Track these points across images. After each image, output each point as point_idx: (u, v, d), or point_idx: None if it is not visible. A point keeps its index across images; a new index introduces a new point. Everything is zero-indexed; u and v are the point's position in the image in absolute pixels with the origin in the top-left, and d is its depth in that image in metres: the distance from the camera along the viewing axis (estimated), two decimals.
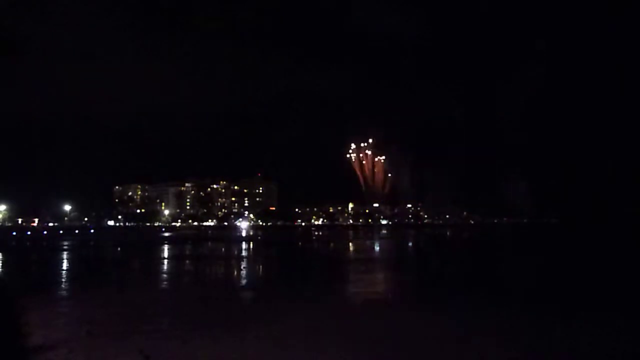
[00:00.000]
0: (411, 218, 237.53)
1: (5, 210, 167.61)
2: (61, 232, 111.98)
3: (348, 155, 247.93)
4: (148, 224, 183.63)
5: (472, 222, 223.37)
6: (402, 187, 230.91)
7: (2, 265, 34.08)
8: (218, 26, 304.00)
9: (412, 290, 21.48)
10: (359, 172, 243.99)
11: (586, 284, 22.47)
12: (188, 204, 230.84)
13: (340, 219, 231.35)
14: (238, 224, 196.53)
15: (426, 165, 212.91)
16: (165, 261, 38.71)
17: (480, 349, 10.70)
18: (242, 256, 44.66)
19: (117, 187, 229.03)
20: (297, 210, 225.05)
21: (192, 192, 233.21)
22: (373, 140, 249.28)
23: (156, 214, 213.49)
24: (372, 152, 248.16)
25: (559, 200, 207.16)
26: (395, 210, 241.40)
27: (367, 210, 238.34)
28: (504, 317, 14.32)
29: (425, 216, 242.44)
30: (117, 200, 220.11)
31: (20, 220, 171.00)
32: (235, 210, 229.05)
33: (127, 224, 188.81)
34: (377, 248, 57.21)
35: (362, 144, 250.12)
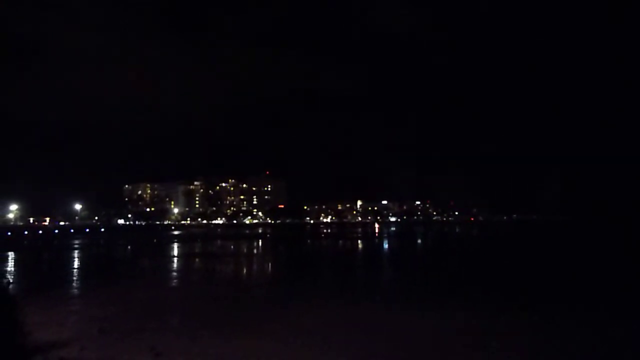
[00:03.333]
0: (420, 215, 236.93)
1: (17, 209, 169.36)
2: (72, 231, 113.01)
3: None
4: (157, 223, 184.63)
5: (481, 219, 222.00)
6: (411, 184, 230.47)
7: (15, 265, 34.51)
8: (227, 26, 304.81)
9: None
10: None
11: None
12: (197, 202, 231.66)
13: (349, 217, 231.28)
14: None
15: (435, 164, 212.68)
16: (175, 259, 39.00)
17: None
18: (252, 254, 44.90)
19: (126, 186, 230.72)
20: (305, 208, 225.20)
21: (201, 190, 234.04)
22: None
23: (165, 213, 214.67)
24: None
25: (569, 199, 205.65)
26: (404, 208, 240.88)
27: (375, 208, 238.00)
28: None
29: (434, 213, 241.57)
30: (126, 199, 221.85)
31: (31, 220, 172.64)
32: (244, 209, 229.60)
33: (136, 222, 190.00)
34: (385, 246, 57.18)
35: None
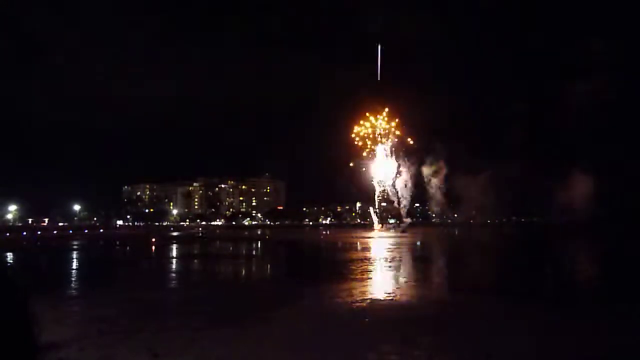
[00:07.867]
0: (419, 217, 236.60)
1: (15, 210, 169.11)
2: (71, 231, 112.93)
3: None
4: (157, 224, 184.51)
5: (480, 222, 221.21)
6: (410, 187, 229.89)
7: (13, 265, 34.48)
8: (227, 26, 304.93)
9: None
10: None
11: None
12: (196, 203, 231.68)
13: (348, 218, 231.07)
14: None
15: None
16: (174, 260, 39.00)
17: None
18: (251, 256, 44.90)
19: (126, 186, 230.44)
20: (304, 209, 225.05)
21: (200, 191, 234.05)
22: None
23: (164, 214, 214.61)
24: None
25: (567, 201, 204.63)
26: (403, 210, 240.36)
27: (375, 210, 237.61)
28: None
29: (434, 215, 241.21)
30: (125, 200, 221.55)
31: (30, 220, 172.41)
32: (243, 210, 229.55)
33: (135, 223, 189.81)
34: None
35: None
